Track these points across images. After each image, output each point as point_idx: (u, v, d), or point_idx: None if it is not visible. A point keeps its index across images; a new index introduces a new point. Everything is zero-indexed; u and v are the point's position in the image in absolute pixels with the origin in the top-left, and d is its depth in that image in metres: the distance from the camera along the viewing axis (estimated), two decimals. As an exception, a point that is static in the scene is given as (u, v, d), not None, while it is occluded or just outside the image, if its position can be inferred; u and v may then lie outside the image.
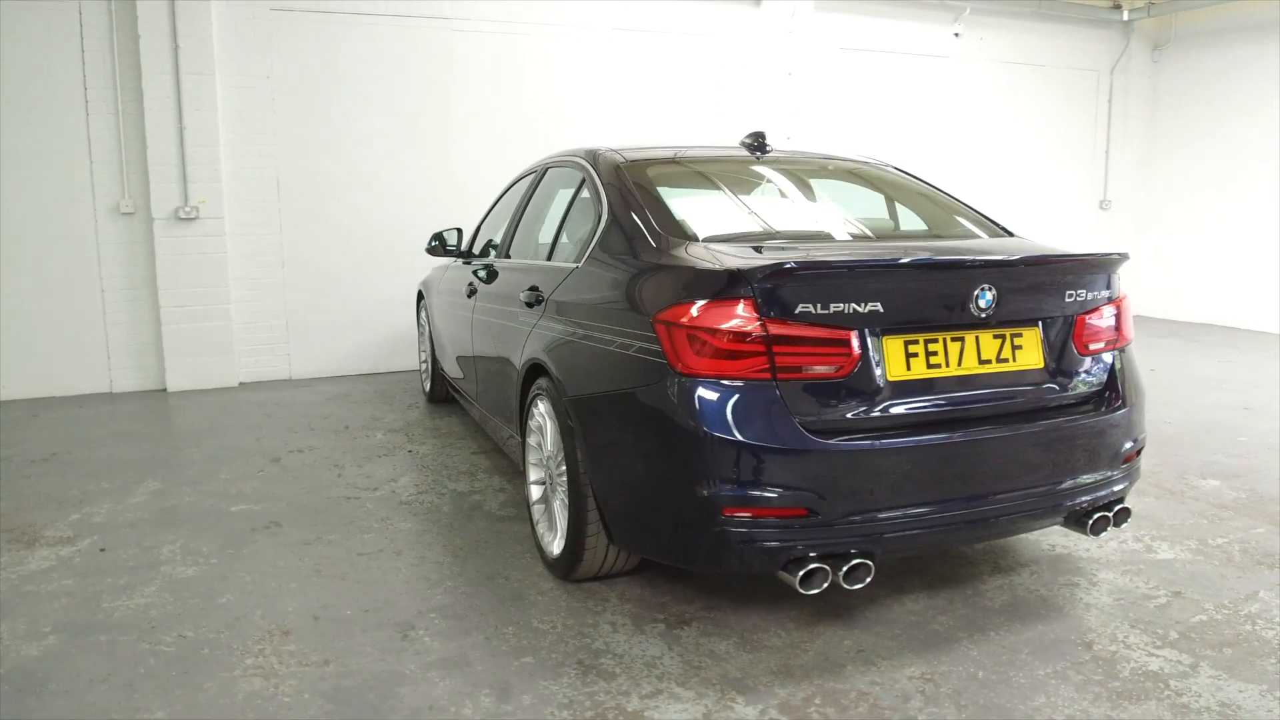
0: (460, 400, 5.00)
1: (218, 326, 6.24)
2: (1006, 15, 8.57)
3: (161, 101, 5.84)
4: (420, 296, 5.91)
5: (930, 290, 2.42)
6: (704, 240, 2.70)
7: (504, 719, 2.24)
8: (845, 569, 2.31)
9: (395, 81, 6.58)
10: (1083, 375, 2.68)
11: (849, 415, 2.36)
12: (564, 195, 3.68)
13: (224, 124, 6.10)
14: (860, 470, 2.30)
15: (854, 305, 2.32)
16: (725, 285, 2.31)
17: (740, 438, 2.26)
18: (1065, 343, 2.64)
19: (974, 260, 2.50)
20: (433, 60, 6.66)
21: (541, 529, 3.21)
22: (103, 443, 4.92)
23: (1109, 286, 2.72)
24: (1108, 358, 2.74)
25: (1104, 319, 2.70)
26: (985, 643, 2.63)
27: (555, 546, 3.03)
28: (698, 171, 3.30)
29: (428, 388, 5.81)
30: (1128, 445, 2.71)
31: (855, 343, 2.33)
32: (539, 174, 4.02)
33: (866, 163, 3.67)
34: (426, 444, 4.84)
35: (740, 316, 2.28)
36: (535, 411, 3.19)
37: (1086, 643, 2.63)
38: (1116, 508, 2.69)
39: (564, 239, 3.44)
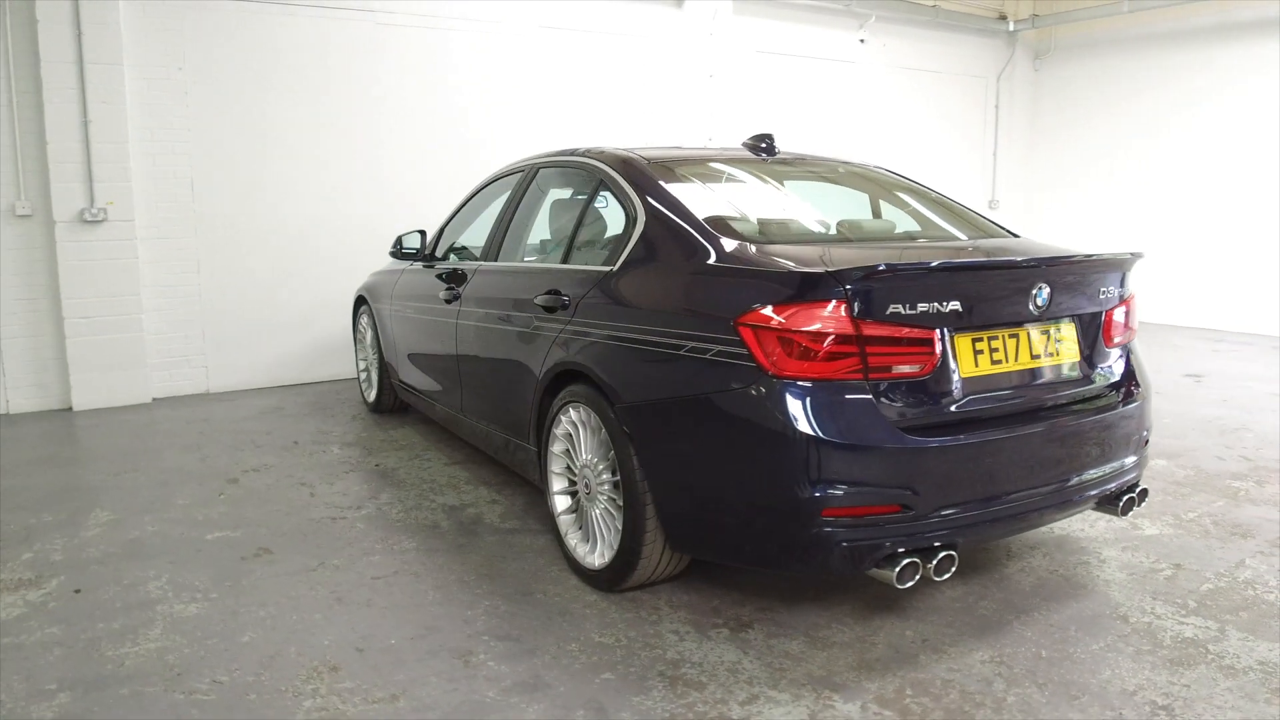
0: (423, 410, 4.79)
1: (128, 338, 5.72)
2: (906, 23, 8.99)
3: (63, 93, 5.29)
4: (360, 302, 5.62)
5: (1000, 289, 2.52)
6: (758, 241, 2.70)
7: (613, 739, 2.17)
8: (935, 561, 2.37)
9: (318, 77, 6.23)
10: (1110, 367, 2.86)
11: (931, 412, 2.42)
12: (572, 197, 3.59)
13: (133, 119, 5.59)
14: (947, 465, 2.37)
15: (936, 305, 2.39)
16: (818, 287, 2.32)
17: (839, 439, 2.29)
18: (1096, 337, 2.80)
19: (1040, 260, 2.62)
20: (358, 55, 6.34)
21: (573, 540, 3.12)
22: (21, 471, 4.42)
23: (1124, 284, 2.90)
24: (1124, 350, 2.93)
25: (1123, 314, 2.89)
26: (1033, 623, 2.76)
27: (596, 558, 2.96)
28: (723, 173, 3.29)
29: (371, 397, 5.54)
30: (1145, 431, 2.91)
31: (938, 341, 2.39)
32: (527, 175, 3.90)
33: (865, 165, 3.76)
34: (390, 457, 4.61)
35: (835, 318, 2.29)
36: (564, 419, 3.10)
37: (1122, 616, 2.80)
38: (1139, 489, 2.88)
39: (584, 241, 3.35)
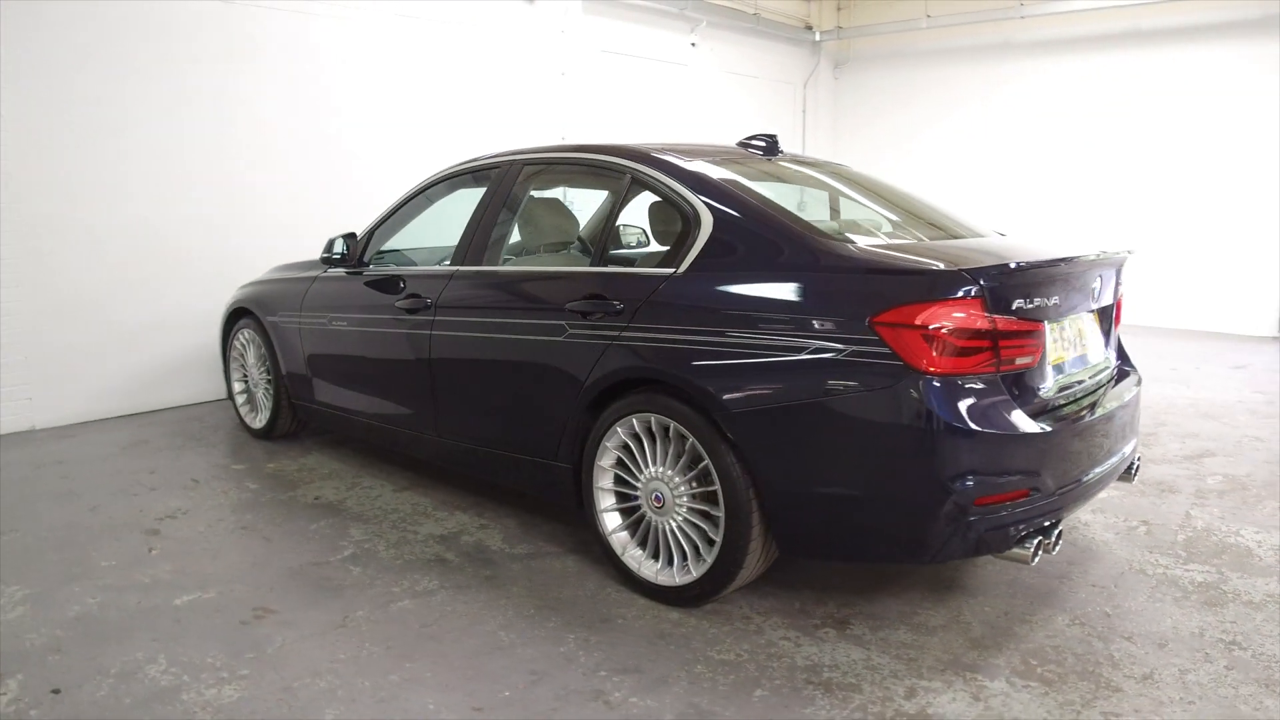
0: (354, 433, 4.30)
1: (-74, 371, 4.61)
2: (731, 29, 9.39)
3: None
4: (238, 315, 4.94)
5: (1078, 283, 2.73)
6: (839, 239, 2.73)
7: (822, 756, 2.12)
8: (1052, 537, 2.53)
9: (158, 62, 5.36)
10: (1116, 351, 3.20)
11: (1035, 400, 2.58)
12: (590, 197, 3.39)
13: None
14: (1059, 448, 2.54)
15: (1042, 299, 2.54)
16: (957, 285, 2.39)
17: (987, 430, 2.38)
18: (1110, 324, 3.12)
19: (1107, 256, 2.88)
20: (205, 40, 5.54)
21: (633, 558, 2.99)
22: None
23: (1120, 279, 3.26)
24: (1118, 337, 3.30)
25: (1120, 305, 3.25)
26: (1079, 586, 3.04)
27: (676, 574, 2.86)
28: (754, 173, 3.25)
29: (259, 423, 4.89)
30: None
31: (1045, 333, 2.56)
32: (506, 173, 3.62)
33: (849, 167, 3.89)
34: (323, 489, 4.11)
35: (974, 314, 2.38)
36: (619, 432, 2.94)
37: (1139, 570, 3.16)
38: (1139, 455, 3.26)
39: (620, 243, 3.18)
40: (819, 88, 10.75)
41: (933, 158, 10.18)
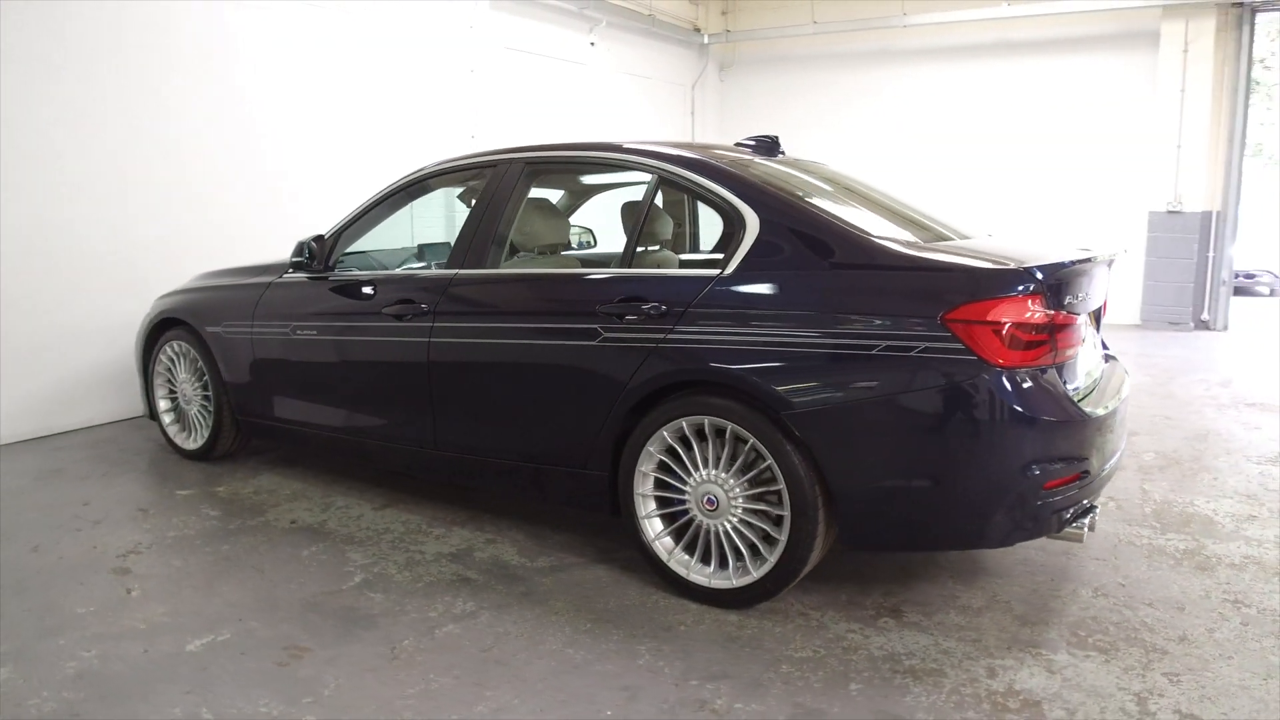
0: (321, 450, 4.02)
1: None
2: (628, 30, 9.41)
3: None
4: (165, 326, 4.48)
5: (1096, 280, 2.93)
6: (887, 238, 2.81)
7: (947, 742, 2.18)
8: (1093, 516, 2.72)
9: (49, 54, 4.76)
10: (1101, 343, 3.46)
11: (1076, 389, 2.75)
12: (611, 198, 3.29)
13: None
14: (1102, 432, 2.72)
15: (1079, 295, 2.71)
16: (1023, 282, 2.51)
17: (1054, 418, 2.54)
18: (1100, 319, 3.37)
19: (1109, 256, 3.09)
20: (100, 29, 4.97)
21: (680, 563, 2.95)
22: None
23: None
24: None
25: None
26: (1083, 561, 3.27)
27: (733, 576, 2.85)
28: (780, 173, 3.27)
29: (194, 444, 4.47)
30: None
31: (1082, 326, 2.73)
32: (506, 173, 3.47)
33: (826, 165, 3.98)
34: (293, 512, 3.82)
35: (1038, 309, 2.51)
36: (666, 435, 2.90)
37: (1128, 542, 3.44)
38: None
39: (652, 244, 3.12)
40: (706, 89, 10.97)
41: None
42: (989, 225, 3.50)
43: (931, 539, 2.74)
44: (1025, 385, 2.52)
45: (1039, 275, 2.55)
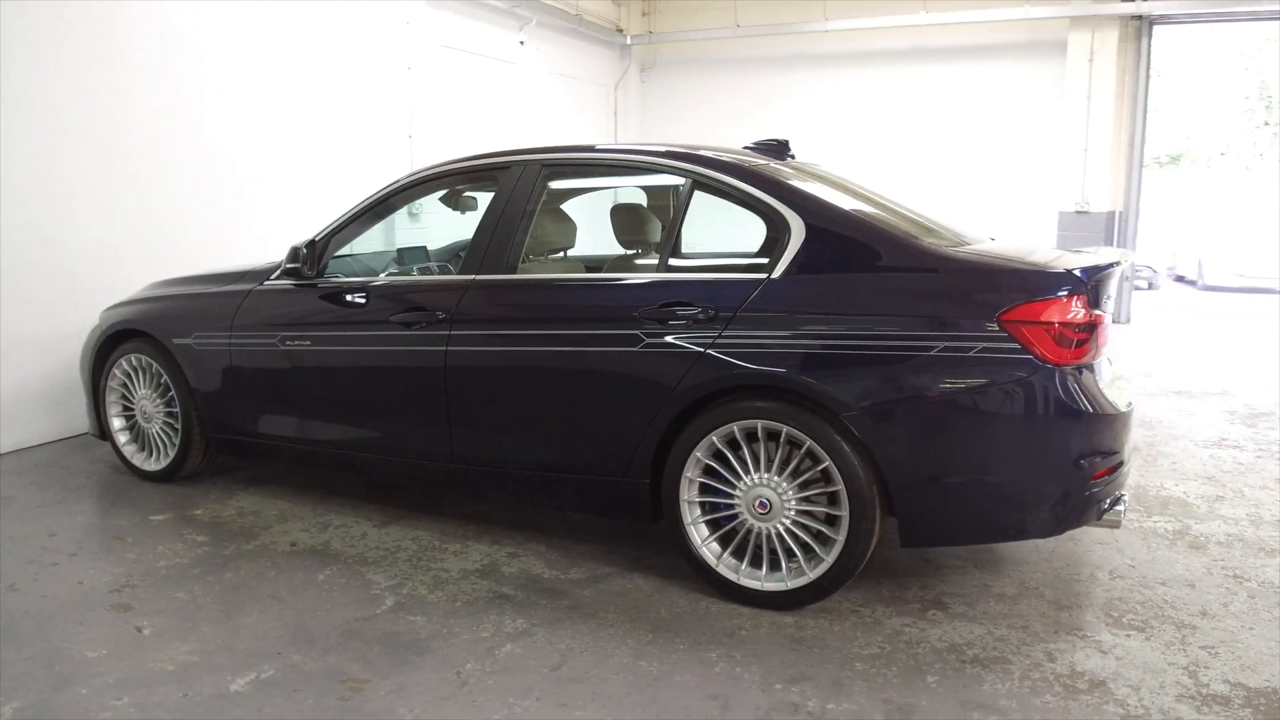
0: (314, 467, 3.83)
1: None
2: (556, 30, 9.30)
3: None
4: (120, 338, 4.14)
5: (1116, 284, 3.09)
6: (931, 243, 2.89)
7: (1040, 728, 2.27)
8: (1123, 504, 2.88)
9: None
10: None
11: (1102, 384, 2.90)
12: (646, 201, 3.23)
13: None
14: (1128, 426, 2.87)
15: (1108, 296, 2.86)
16: (1070, 283, 2.64)
17: (1101, 411, 2.67)
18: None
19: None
20: (27, 19, 4.53)
21: (728, 567, 2.96)
22: None
23: None
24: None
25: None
26: (1089, 546, 3.46)
27: (788, 578, 2.88)
28: (813, 178, 3.29)
29: (156, 465, 4.15)
30: None
31: (1110, 325, 2.88)
32: (521, 175, 3.37)
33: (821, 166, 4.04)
34: (289, 534, 3.61)
35: (1083, 309, 2.65)
36: (715, 440, 2.89)
37: (1124, 527, 3.64)
38: None
39: (688, 248, 3.10)
40: (628, 90, 10.96)
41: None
42: (983, 228, 3.63)
43: (990, 532, 2.84)
44: (1074, 382, 2.64)
45: (1083, 277, 2.68)
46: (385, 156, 7.11)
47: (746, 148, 3.69)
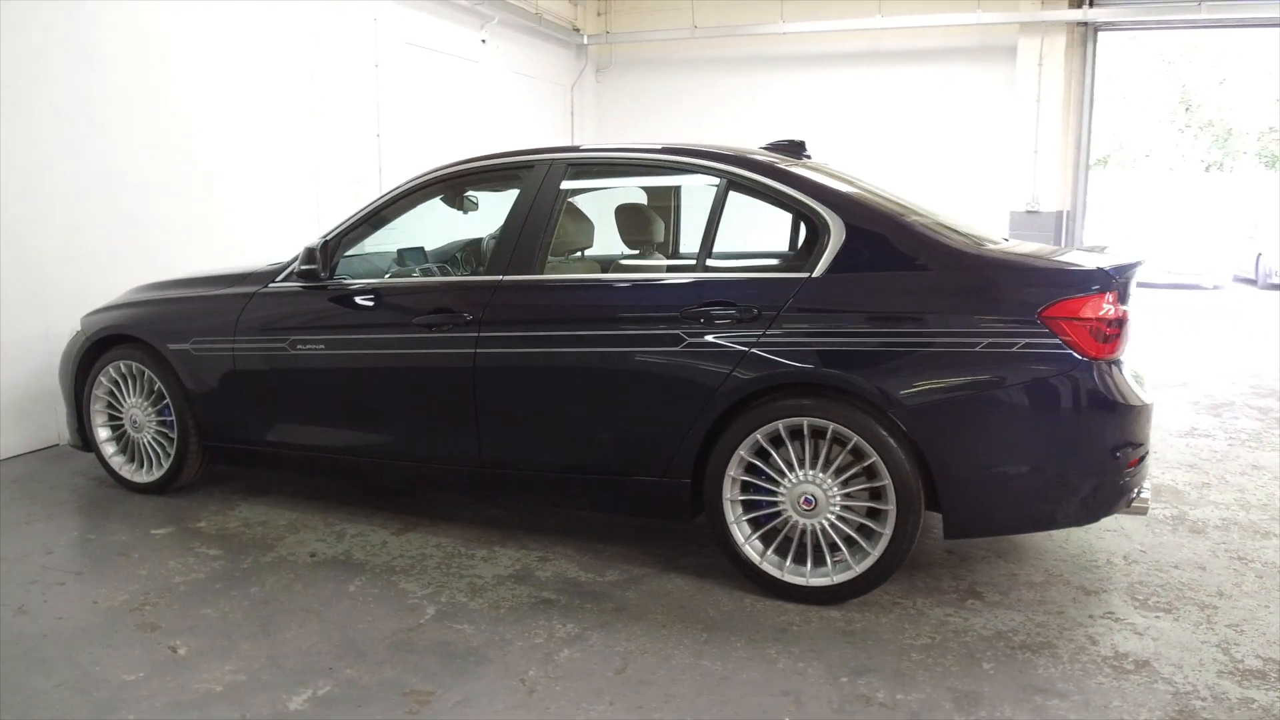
0: (322, 475, 3.75)
1: None
2: (516, 28, 9.20)
3: None
4: (105, 345, 3.95)
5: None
6: (967, 242, 2.96)
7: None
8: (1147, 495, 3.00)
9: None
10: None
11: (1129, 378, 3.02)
12: (672, 201, 3.23)
13: None
14: (1150, 418, 3.00)
15: (1130, 293, 2.98)
16: (1104, 280, 2.74)
17: (1133, 403, 2.78)
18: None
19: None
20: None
21: (772, 564, 2.99)
22: None
23: None
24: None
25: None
26: (1098, 533, 3.59)
27: (835, 573, 2.92)
28: (828, 175, 3.33)
29: (149, 476, 3.98)
30: None
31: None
32: (548, 172, 3.32)
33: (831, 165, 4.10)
34: (310, 543, 3.50)
35: (1114, 305, 2.76)
36: (759, 438, 2.92)
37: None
38: None
39: (722, 248, 3.11)
40: (584, 90, 10.92)
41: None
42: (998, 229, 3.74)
43: (1031, 521, 2.93)
44: (1109, 376, 2.76)
45: (1114, 275, 2.79)
46: (354, 156, 6.95)
47: (763, 147, 3.73)
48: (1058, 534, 3.54)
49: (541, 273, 3.31)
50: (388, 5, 7.22)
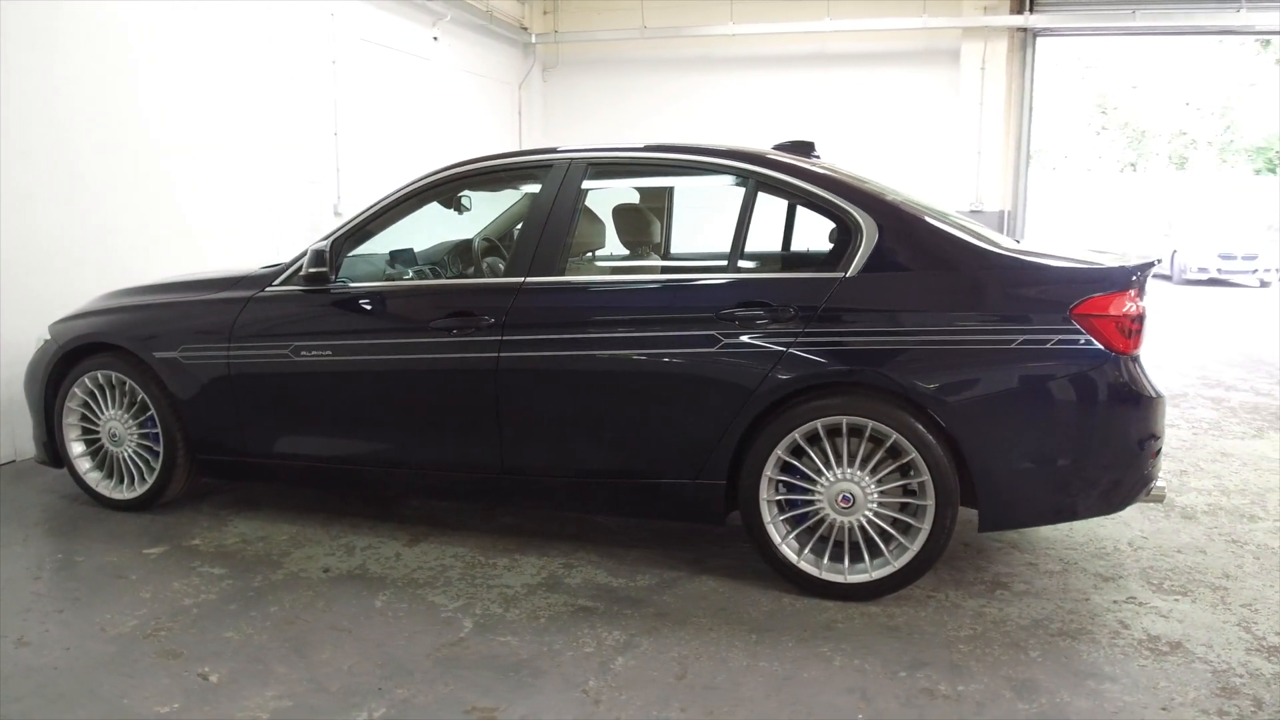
0: (327, 487, 3.65)
1: None
2: (466, 26, 9.02)
3: None
4: (80, 354, 3.70)
5: None
6: (995, 243, 3.03)
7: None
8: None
9: None
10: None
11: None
12: (704, 202, 3.20)
13: None
14: (1165, 408, 3.12)
15: (1145, 290, 3.10)
16: (1126, 278, 2.85)
17: (1155, 396, 2.90)
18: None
19: None
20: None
21: (810, 563, 3.01)
22: None
23: None
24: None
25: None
26: (1100, 524, 3.71)
27: (873, 570, 2.96)
28: (856, 179, 3.36)
29: (130, 493, 3.76)
30: None
31: (1143, 316, 3.14)
32: (568, 172, 3.26)
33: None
34: (320, 559, 3.36)
35: (1135, 302, 2.86)
36: (796, 437, 2.93)
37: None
38: None
39: (754, 249, 3.10)
40: (531, 89, 10.80)
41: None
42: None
43: (1062, 512, 3.01)
44: (1135, 368, 2.87)
45: (1135, 273, 2.89)
46: (311, 154, 6.71)
47: (774, 147, 3.75)
48: (1064, 524, 3.66)
49: (564, 274, 3.26)
50: (348, 2, 7.00)
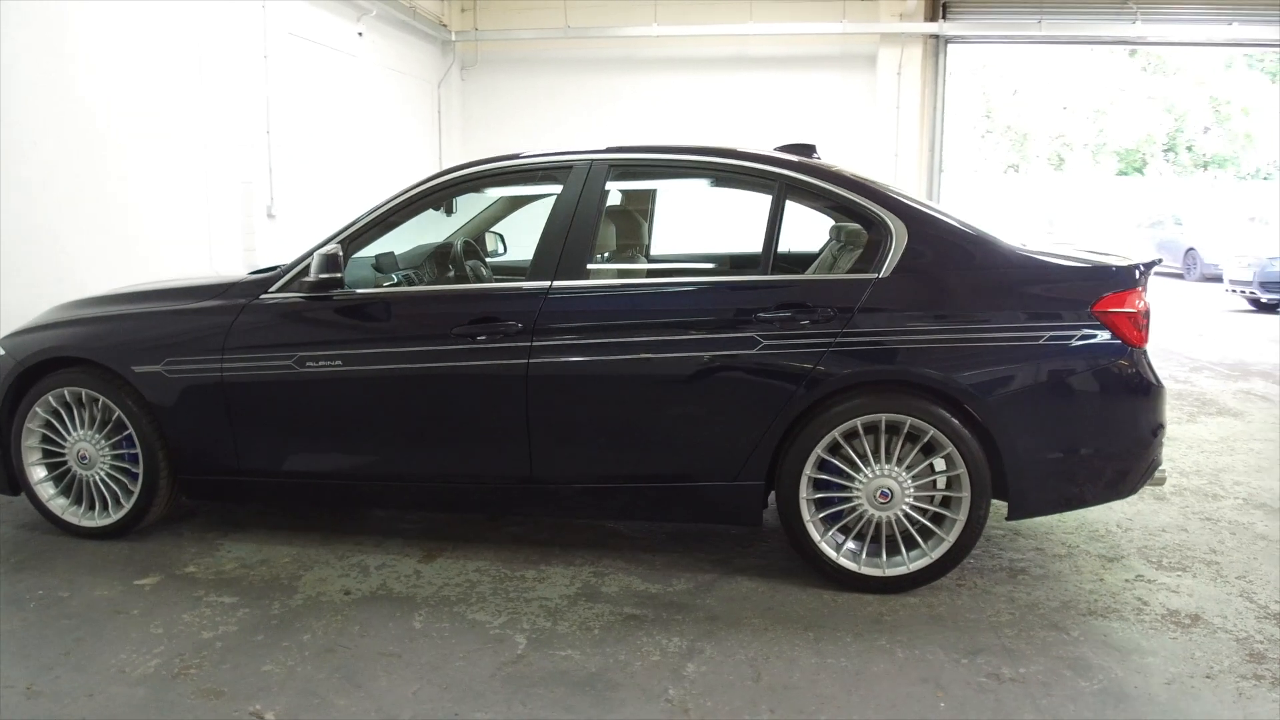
0: (328, 504, 3.49)
1: None
2: (389, 22, 8.77)
3: None
4: (31, 373, 3.38)
5: None
6: (1017, 243, 3.17)
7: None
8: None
9: None
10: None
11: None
12: (738, 205, 3.18)
13: None
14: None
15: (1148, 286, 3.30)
16: (1135, 276, 3.03)
17: (1160, 385, 3.08)
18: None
19: None
20: None
21: (849, 558, 3.07)
22: None
23: None
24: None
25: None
26: (1120, 520, 3.93)
27: (911, 563, 3.04)
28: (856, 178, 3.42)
29: (105, 519, 3.46)
30: None
31: (1144, 311, 3.34)
32: (590, 174, 3.20)
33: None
34: (336, 581, 3.19)
35: (1143, 299, 3.05)
36: (835, 436, 2.98)
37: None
38: None
39: (785, 251, 3.13)
40: (450, 88, 10.55)
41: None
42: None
43: (1085, 497, 3.16)
44: (1147, 361, 3.05)
45: (1143, 270, 3.08)
46: (244, 154, 6.35)
47: (777, 149, 3.79)
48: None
49: (590, 277, 3.20)
50: (278, -6, 6.68)
